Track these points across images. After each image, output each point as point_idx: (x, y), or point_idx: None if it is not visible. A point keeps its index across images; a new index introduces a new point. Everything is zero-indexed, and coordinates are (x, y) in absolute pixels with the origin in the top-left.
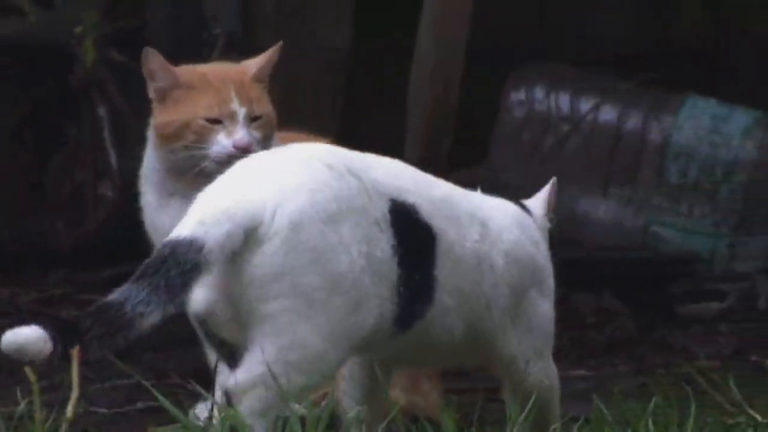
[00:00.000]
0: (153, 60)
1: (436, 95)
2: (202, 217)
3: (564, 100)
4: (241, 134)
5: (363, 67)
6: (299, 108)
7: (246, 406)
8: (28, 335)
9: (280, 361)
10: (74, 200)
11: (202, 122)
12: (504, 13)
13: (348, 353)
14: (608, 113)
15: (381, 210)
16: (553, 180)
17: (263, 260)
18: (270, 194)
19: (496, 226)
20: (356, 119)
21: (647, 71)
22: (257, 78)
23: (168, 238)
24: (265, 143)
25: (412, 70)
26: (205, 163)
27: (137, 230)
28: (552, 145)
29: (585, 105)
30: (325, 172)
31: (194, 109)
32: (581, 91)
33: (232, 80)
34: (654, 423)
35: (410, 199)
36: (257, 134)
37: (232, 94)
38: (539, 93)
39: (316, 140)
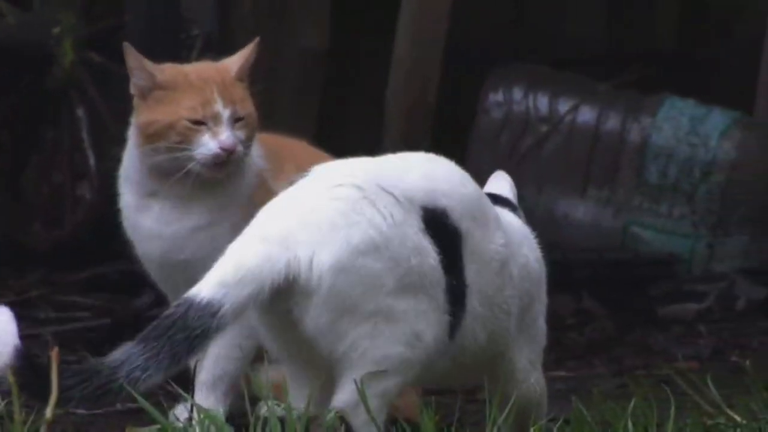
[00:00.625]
0: (131, 57)
1: (413, 95)
2: (224, 277)
3: (542, 101)
4: (225, 135)
5: (340, 67)
6: (277, 108)
7: (361, 419)
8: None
9: (371, 380)
10: (52, 201)
11: (187, 123)
12: (482, 13)
13: (426, 352)
14: (587, 114)
15: (419, 219)
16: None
17: (319, 312)
18: (303, 243)
19: (514, 236)
20: (334, 119)
21: (625, 72)
22: (239, 77)
23: (186, 296)
24: (248, 144)
25: (390, 70)
26: (191, 165)
27: (115, 231)
28: (530, 146)
29: (564, 106)
30: (355, 199)
31: (177, 109)
32: (560, 92)
33: (214, 80)
34: (633, 424)
35: (442, 202)
36: (241, 135)
37: (215, 95)
38: (518, 94)
39: (295, 141)
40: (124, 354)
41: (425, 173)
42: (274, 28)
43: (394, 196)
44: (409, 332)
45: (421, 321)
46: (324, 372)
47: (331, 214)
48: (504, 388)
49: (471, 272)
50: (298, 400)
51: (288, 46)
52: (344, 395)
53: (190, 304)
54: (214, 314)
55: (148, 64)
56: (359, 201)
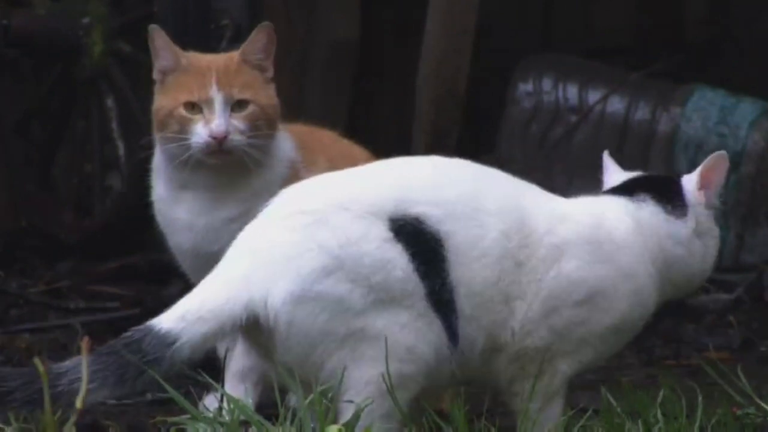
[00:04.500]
0: (158, 37)
1: (444, 85)
2: (187, 312)
3: (572, 91)
4: (215, 123)
5: (371, 57)
6: (307, 99)
7: None
8: None
9: (372, 393)
10: (82, 192)
11: (183, 111)
12: (511, 2)
13: (421, 366)
14: (617, 104)
15: (384, 230)
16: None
17: (287, 346)
18: (258, 281)
19: (552, 231)
20: (364, 110)
21: (655, 62)
22: (246, 62)
23: (147, 323)
24: (256, 134)
25: (421, 61)
26: (188, 154)
27: (145, 221)
28: (560, 136)
29: (593, 96)
30: (306, 224)
31: (177, 95)
32: (589, 82)
33: (217, 66)
34: (663, 414)
35: (414, 209)
36: (240, 123)
37: (213, 80)
38: (547, 84)
39: (327, 132)
40: (72, 363)
41: (399, 182)
42: (304, 18)
43: (353, 213)
44: (397, 347)
45: (407, 333)
46: None
47: (282, 247)
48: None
49: (458, 273)
50: None
51: (319, 36)
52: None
53: (149, 331)
54: (169, 345)
55: (173, 46)
56: (309, 226)
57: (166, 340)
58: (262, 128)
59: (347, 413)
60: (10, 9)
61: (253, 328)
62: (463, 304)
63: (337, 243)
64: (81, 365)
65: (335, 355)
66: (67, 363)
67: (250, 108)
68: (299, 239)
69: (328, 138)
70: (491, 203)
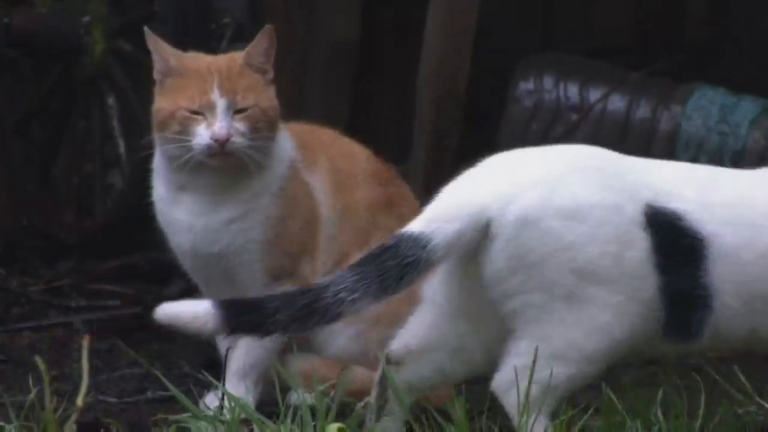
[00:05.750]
0: (150, 41)
1: (444, 85)
2: (434, 214)
3: (573, 90)
4: (218, 126)
5: (371, 57)
6: (308, 98)
7: (511, 403)
8: (191, 309)
9: (538, 354)
10: (83, 191)
11: (185, 113)
12: (512, 1)
13: (611, 347)
14: (617, 103)
15: (636, 211)
16: None
17: (493, 257)
18: (504, 190)
19: None
20: (364, 110)
21: (655, 61)
22: (249, 65)
23: (397, 232)
24: (257, 136)
25: (421, 61)
26: (190, 155)
27: (145, 221)
28: (561, 135)
29: (594, 94)
30: (570, 169)
31: (177, 98)
32: (590, 81)
33: (218, 70)
34: (664, 413)
35: (675, 205)
36: (242, 126)
37: (214, 84)
38: (548, 82)
39: (328, 131)
40: (332, 278)
41: (665, 175)
42: (304, 18)
43: (615, 186)
44: (590, 321)
45: (608, 313)
46: (485, 339)
47: (540, 172)
48: None
49: (725, 273)
50: (425, 368)
51: (319, 36)
52: (501, 374)
53: (401, 237)
54: (424, 246)
55: (166, 50)
56: (569, 168)
57: (421, 241)
58: (262, 130)
59: (506, 368)
60: (10, 7)
61: (480, 234)
62: (731, 302)
63: (589, 195)
64: (343, 276)
65: (531, 295)
66: (329, 278)
67: (252, 111)
68: (558, 175)
69: (328, 136)
70: (761, 205)
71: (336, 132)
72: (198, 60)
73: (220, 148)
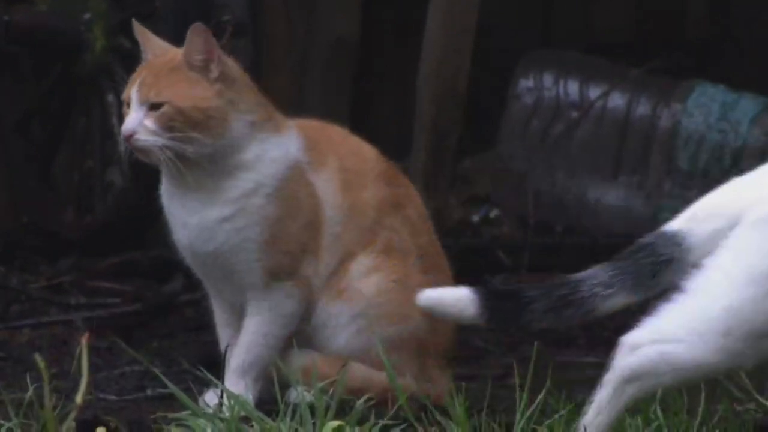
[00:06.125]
0: (138, 33)
1: (444, 84)
2: (695, 212)
3: (573, 87)
4: (126, 121)
5: (371, 56)
6: (307, 99)
7: (624, 365)
8: (453, 294)
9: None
10: (83, 188)
11: (125, 106)
12: (511, 3)
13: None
14: (618, 100)
15: None
16: None
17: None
18: (751, 197)
19: None
20: (364, 110)
21: (655, 58)
22: (188, 63)
23: (658, 230)
24: (176, 135)
25: (421, 61)
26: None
27: (145, 218)
28: (561, 132)
29: (594, 92)
30: None
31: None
32: (591, 78)
33: (157, 65)
34: (663, 410)
35: None
36: (152, 123)
37: (139, 77)
38: (548, 80)
39: (339, 130)
40: (588, 273)
41: None
42: (304, 18)
43: None
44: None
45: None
46: None
47: None
48: None
49: None
50: None
51: (319, 36)
52: (640, 329)
53: (658, 235)
54: (678, 244)
55: (151, 44)
56: None
57: (676, 239)
58: (183, 130)
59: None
60: (10, 5)
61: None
62: None
63: None
64: (599, 271)
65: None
66: (582, 273)
67: (165, 108)
68: None
69: (338, 134)
70: None
71: (345, 130)
72: (159, 55)
73: (128, 143)
